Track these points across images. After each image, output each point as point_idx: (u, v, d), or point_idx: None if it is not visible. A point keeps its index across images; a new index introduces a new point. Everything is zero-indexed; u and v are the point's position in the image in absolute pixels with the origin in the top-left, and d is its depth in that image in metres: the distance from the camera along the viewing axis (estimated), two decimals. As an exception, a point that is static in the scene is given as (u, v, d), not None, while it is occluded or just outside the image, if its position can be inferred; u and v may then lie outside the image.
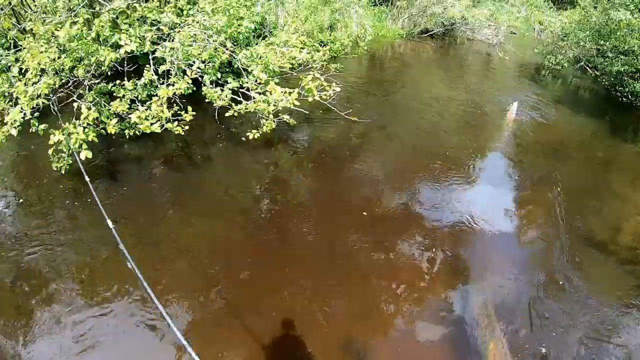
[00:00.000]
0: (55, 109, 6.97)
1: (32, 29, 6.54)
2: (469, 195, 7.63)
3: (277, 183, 7.21)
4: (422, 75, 14.60)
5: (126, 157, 7.19)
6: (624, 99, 13.09)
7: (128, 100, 6.69)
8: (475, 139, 9.72)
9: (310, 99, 7.85)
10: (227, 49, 7.42)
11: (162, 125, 6.57)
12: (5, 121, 5.81)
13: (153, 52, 7.01)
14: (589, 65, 15.19)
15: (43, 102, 6.06)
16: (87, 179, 5.47)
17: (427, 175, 7.96)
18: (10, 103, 6.15)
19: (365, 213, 6.85)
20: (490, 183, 8.16)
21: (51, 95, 6.73)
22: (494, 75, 15.42)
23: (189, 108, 6.76)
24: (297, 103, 7.45)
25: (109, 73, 7.69)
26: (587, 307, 5.73)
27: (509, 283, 5.95)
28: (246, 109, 7.40)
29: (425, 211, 7.04)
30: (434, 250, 6.25)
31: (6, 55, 6.62)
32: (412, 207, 7.11)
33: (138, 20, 7.15)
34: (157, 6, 7.36)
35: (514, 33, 20.29)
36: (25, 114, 5.82)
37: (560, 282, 6.02)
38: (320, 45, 10.85)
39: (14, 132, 5.74)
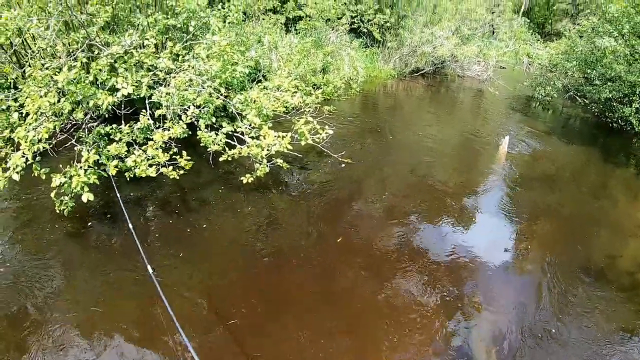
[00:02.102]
0: (53, 151, 7.16)
1: (31, 74, 6.77)
2: (465, 231, 7.60)
3: (272, 226, 7.14)
4: (414, 114, 14.79)
5: (123, 200, 7.16)
6: (614, 125, 13.29)
7: (125, 144, 6.84)
8: (470, 175, 9.80)
9: (303, 143, 8.00)
10: (221, 94, 7.63)
11: (158, 170, 6.71)
12: (7, 166, 5.94)
13: (149, 97, 7.22)
14: (578, 94, 15.47)
15: (44, 147, 6.23)
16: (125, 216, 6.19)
17: (424, 214, 7.94)
18: (12, 148, 6.32)
19: (360, 251, 6.89)
20: (486, 218, 8.14)
21: (52, 140, 6.92)
22: (486, 111, 15.64)
23: (184, 153, 6.88)
24: (290, 147, 7.60)
25: (106, 116, 7.88)
26: (588, 337, 5.64)
27: (508, 317, 5.84)
28: (240, 153, 7.55)
29: (423, 249, 6.96)
30: (432, 287, 6.16)
31: (6, 99, 6.84)
32: (409, 245, 7.03)
33: (135, 65, 7.37)
34: (154, 52, 7.59)
35: (504, 67, 20.74)
36: (27, 158, 5.98)
37: (561, 314, 5.93)
38: (314, 88, 11.10)
39: (16, 177, 5.86)
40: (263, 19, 15.73)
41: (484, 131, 12.85)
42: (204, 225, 6.93)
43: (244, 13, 12.55)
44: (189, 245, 6.46)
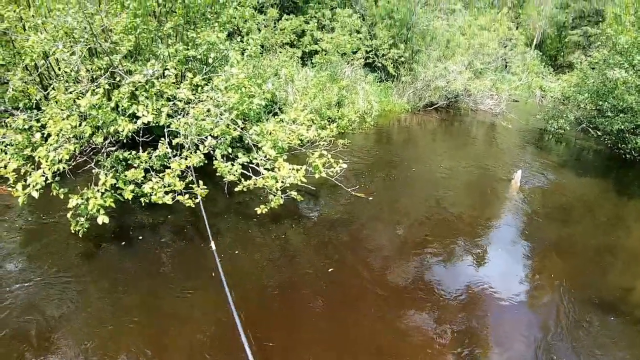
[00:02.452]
0: (71, 173, 7.41)
1: (55, 96, 7.01)
2: (479, 264, 7.54)
3: (285, 257, 7.12)
4: (428, 147, 14.92)
5: (138, 225, 7.34)
6: (628, 156, 13.33)
7: (142, 170, 6.99)
8: (483, 208, 9.79)
9: (317, 176, 8.10)
10: (238, 126, 7.80)
11: (174, 198, 6.85)
12: (27, 183, 6.14)
13: (168, 126, 7.41)
14: (590, 126, 15.53)
15: (63, 167, 6.46)
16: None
17: (437, 247, 7.88)
18: (32, 166, 6.50)
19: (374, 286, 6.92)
20: (500, 251, 8.07)
21: (71, 161, 7.16)
22: (499, 144, 15.73)
23: (201, 182, 7.03)
24: (304, 180, 7.70)
25: (125, 141, 8.11)
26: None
27: (522, 349, 5.80)
28: (255, 184, 7.68)
29: (436, 282, 6.90)
30: (445, 322, 6.08)
31: (29, 119, 7.07)
32: (422, 278, 6.98)
33: (155, 94, 7.60)
34: (174, 82, 7.80)
35: (516, 100, 20.89)
36: (46, 177, 6.20)
37: (575, 345, 5.83)
38: (329, 121, 11.24)
39: (35, 194, 6.05)
40: (280, 52, 16.18)
41: (497, 165, 12.88)
42: (236, 252, 7.01)
43: (262, 46, 12.89)
44: (200, 272, 6.48)
